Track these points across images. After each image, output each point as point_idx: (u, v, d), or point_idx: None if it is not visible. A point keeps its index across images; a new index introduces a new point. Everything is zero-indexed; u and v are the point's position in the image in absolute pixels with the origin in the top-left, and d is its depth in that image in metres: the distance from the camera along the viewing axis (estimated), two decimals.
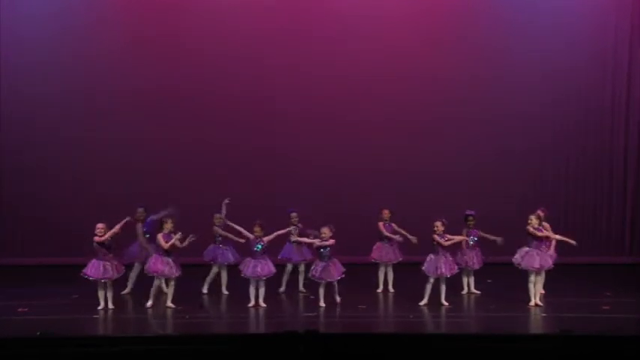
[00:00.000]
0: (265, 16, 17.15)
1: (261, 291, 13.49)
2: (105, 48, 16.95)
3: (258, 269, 13.41)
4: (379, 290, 14.53)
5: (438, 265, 13.39)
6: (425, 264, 13.47)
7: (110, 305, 13.25)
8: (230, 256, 14.35)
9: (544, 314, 13.01)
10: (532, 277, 13.41)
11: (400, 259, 14.52)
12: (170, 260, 13.31)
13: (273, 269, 13.59)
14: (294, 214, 14.42)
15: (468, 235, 14.10)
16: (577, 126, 17.55)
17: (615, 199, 17.62)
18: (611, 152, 17.59)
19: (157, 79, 17.00)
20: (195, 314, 13.26)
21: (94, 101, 17.01)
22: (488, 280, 14.18)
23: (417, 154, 17.27)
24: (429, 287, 13.42)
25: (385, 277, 14.63)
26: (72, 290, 13.80)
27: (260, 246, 13.47)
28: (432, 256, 13.46)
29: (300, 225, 14.33)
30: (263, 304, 13.44)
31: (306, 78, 17.17)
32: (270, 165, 17.16)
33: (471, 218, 14.16)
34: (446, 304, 13.38)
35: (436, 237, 13.34)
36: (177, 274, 13.37)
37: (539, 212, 13.94)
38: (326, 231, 13.38)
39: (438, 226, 13.36)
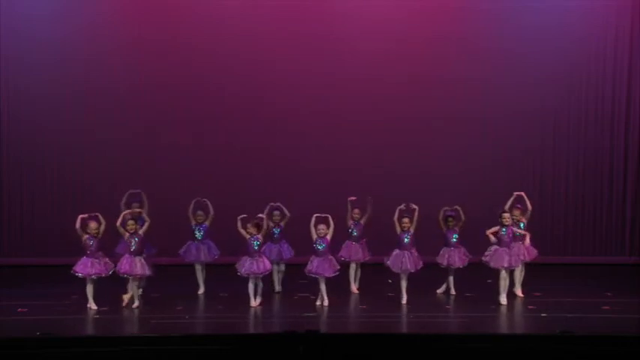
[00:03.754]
0: (263, 16, 17.10)
1: (259, 287, 13.61)
2: (104, 48, 16.91)
3: (254, 267, 13.47)
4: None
5: (403, 261, 13.64)
6: (389, 259, 13.77)
7: (94, 305, 13.25)
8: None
9: (544, 314, 13.01)
10: (503, 274, 13.59)
11: (367, 258, 14.52)
12: (139, 259, 13.38)
13: (269, 266, 13.70)
14: (276, 212, 14.44)
15: (447, 235, 14.24)
16: (577, 126, 17.51)
17: (615, 199, 17.59)
18: (611, 152, 17.56)
19: (157, 79, 16.95)
20: (195, 315, 13.27)
21: (96, 101, 16.96)
22: (488, 280, 14.17)
23: (416, 154, 17.24)
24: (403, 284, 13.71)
25: (355, 275, 14.65)
26: (71, 290, 13.78)
27: (257, 243, 13.53)
28: (397, 250, 13.74)
29: (281, 224, 14.40)
30: (260, 299, 13.54)
31: (304, 78, 17.09)
32: (269, 165, 17.15)
33: (450, 219, 14.28)
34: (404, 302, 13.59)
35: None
36: (147, 274, 13.47)
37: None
38: (323, 227, 13.52)
39: (406, 222, 13.74)
